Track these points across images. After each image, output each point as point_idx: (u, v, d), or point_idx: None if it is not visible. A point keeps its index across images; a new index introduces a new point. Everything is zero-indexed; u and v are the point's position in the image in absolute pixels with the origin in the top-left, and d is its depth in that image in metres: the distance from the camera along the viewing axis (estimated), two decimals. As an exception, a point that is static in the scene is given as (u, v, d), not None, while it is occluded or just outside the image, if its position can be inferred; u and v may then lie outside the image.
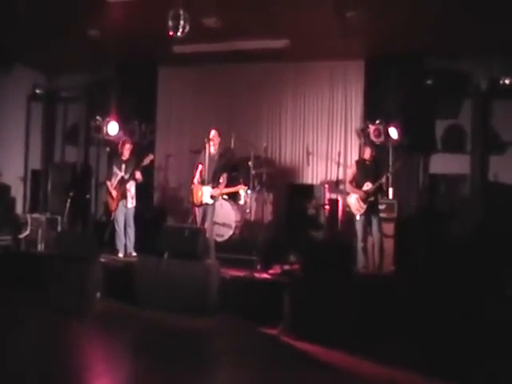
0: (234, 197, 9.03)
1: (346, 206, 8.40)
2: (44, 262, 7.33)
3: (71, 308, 6.51)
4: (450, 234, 7.29)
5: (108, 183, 8.46)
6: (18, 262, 7.76)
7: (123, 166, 8.38)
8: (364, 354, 5.23)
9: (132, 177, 8.29)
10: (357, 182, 7.92)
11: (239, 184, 8.63)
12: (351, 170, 8.19)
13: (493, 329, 5.27)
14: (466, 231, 7.18)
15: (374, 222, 7.80)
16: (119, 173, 8.37)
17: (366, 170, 7.93)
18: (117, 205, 8.31)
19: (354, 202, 7.84)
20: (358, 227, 7.83)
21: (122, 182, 8.32)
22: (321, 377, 4.78)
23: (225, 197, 8.68)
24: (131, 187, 8.35)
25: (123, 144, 8.50)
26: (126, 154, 8.46)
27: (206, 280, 6.62)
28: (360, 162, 8.19)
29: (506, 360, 4.94)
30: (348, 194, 8.03)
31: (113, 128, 9.89)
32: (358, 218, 7.83)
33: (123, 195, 8.30)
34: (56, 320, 6.23)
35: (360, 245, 7.77)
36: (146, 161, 8.36)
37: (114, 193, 8.34)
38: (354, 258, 7.30)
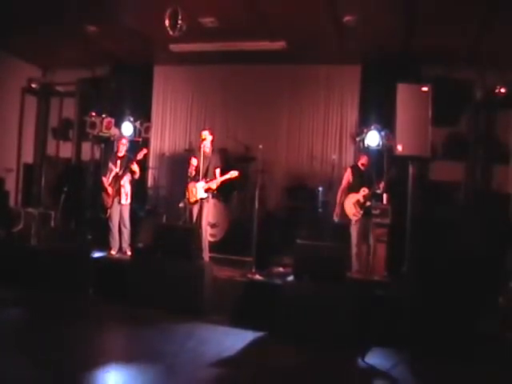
0: (227, 197, 9.01)
1: (341, 210, 8.38)
2: (36, 257, 7.33)
3: (63, 303, 6.50)
4: (444, 241, 7.31)
5: (104, 179, 8.42)
6: (9, 256, 7.69)
7: (118, 162, 8.36)
8: (354, 357, 5.26)
9: (128, 170, 8.26)
10: (353, 187, 7.94)
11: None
12: (346, 175, 8.19)
13: (484, 337, 5.33)
14: (460, 238, 7.21)
15: (369, 227, 7.82)
16: (114, 169, 8.36)
17: (361, 176, 7.95)
18: (112, 201, 8.27)
19: (349, 206, 7.86)
20: (353, 232, 7.85)
21: (117, 179, 8.30)
22: (312, 379, 4.79)
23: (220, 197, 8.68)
24: (125, 183, 8.31)
25: (119, 140, 8.52)
26: (122, 151, 8.45)
27: (198, 279, 6.63)
28: (355, 168, 8.19)
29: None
30: (344, 198, 8.02)
31: (107, 125, 9.86)
32: (353, 222, 7.85)
33: (118, 192, 8.26)
34: (47, 315, 6.21)
35: (354, 249, 7.78)
36: (140, 155, 8.33)
37: (110, 189, 8.30)
38: (347, 263, 7.27)
